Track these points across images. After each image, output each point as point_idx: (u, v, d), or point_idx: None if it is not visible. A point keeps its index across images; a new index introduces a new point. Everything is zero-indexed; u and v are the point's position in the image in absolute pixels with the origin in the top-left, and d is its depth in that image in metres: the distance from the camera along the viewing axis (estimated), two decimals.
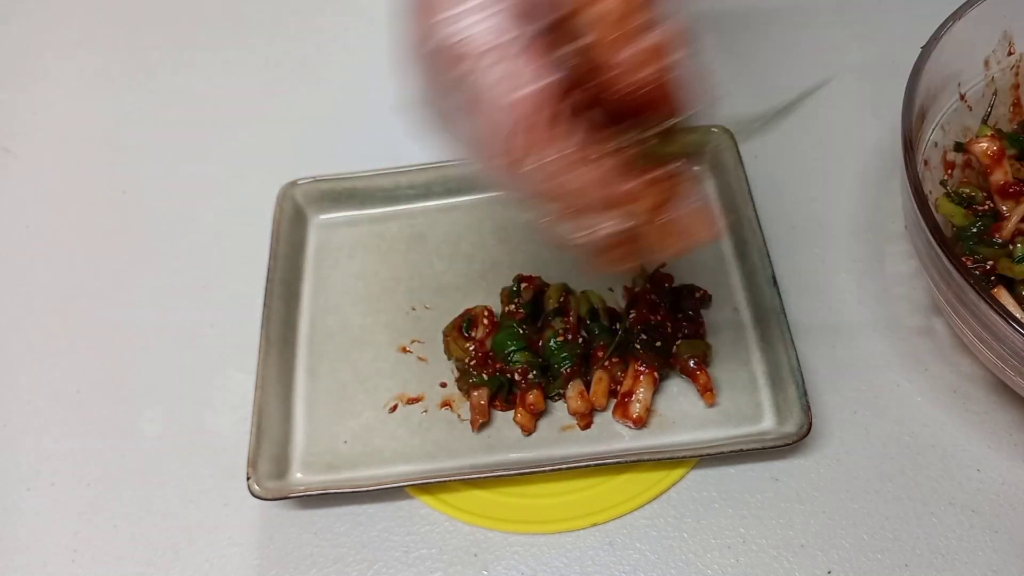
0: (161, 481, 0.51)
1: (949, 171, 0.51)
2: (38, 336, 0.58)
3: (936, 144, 0.50)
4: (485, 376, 0.50)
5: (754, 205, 0.54)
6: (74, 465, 0.52)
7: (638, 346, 0.49)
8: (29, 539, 0.50)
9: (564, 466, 0.46)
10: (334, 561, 0.47)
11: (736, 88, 0.64)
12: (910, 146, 0.45)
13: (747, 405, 0.49)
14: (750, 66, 0.66)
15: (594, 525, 0.47)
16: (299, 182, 0.59)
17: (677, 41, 0.33)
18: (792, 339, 0.48)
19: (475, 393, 0.50)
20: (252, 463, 0.47)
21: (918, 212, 0.43)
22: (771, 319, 0.50)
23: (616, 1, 0.32)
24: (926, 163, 0.50)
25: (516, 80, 0.32)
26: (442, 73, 0.33)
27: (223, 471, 0.51)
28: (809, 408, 0.46)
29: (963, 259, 0.46)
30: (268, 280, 0.55)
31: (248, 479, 0.47)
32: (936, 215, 0.46)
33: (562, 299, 0.52)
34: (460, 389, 0.51)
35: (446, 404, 0.52)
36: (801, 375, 0.47)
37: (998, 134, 0.50)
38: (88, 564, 0.49)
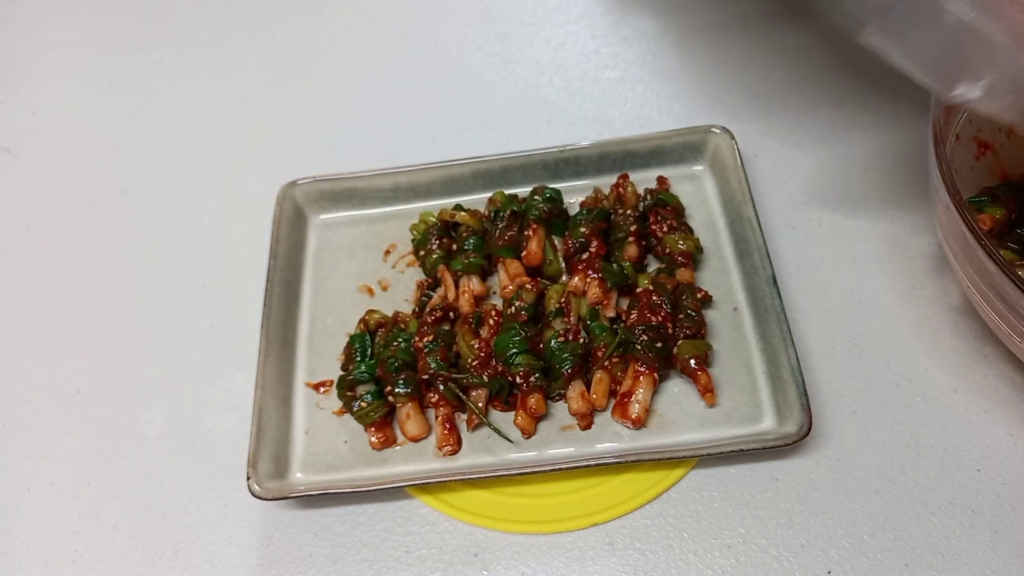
0: (161, 481, 0.51)
1: (983, 150, 0.50)
2: (38, 336, 0.58)
3: (971, 121, 0.50)
4: (485, 377, 0.50)
5: (754, 205, 0.54)
6: (74, 465, 0.52)
7: (639, 346, 0.49)
8: (29, 539, 0.50)
9: (564, 466, 0.46)
10: (334, 561, 0.47)
11: (735, 87, 0.65)
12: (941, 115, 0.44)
13: (747, 405, 0.49)
14: (750, 66, 0.66)
15: (594, 525, 0.47)
16: (299, 182, 0.59)
17: None
18: (792, 339, 0.48)
19: (473, 393, 0.50)
20: (252, 463, 0.47)
21: (936, 166, 0.43)
22: (771, 319, 0.50)
23: None
24: (958, 137, 0.49)
25: None
26: None
27: (223, 471, 0.51)
28: (809, 408, 0.46)
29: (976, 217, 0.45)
30: (268, 280, 0.55)
31: (248, 479, 0.47)
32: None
33: (563, 300, 0.52)
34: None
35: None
36: (801, 375, 0.47)
37: None
38: (88, 564, 0.49)
